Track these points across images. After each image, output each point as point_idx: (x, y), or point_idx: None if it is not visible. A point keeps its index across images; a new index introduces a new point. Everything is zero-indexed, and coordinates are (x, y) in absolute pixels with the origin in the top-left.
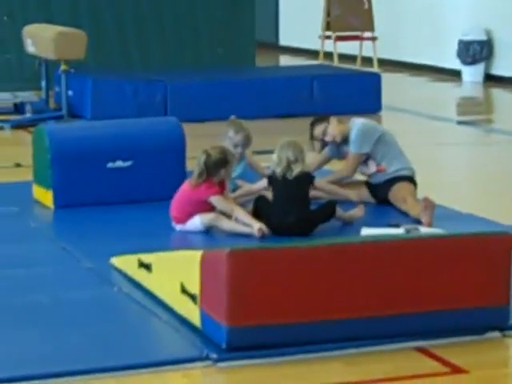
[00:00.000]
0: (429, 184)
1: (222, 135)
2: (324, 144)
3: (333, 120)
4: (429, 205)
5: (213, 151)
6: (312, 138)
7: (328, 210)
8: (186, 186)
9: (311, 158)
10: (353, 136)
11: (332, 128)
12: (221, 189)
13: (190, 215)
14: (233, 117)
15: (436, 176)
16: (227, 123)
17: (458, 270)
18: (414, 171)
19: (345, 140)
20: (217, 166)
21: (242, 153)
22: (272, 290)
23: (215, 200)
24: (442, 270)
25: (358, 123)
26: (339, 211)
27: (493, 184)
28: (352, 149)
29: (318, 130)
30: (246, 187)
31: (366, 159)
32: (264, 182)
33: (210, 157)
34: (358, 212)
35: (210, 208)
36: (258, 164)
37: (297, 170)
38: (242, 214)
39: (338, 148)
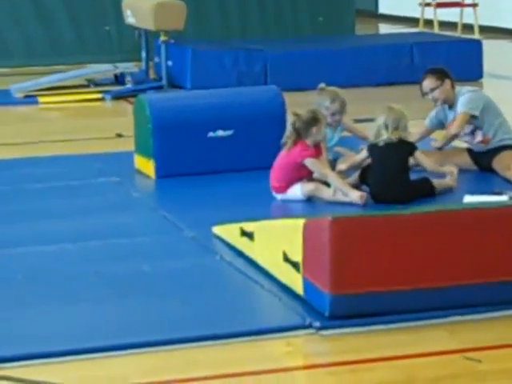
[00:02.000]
0: None
1: (316, 104)
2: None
3: (447, 82)
4: None
5: (302, 112)
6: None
7: (426, 187)
8: (281, 153)
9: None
10: (462, 99)
11: (441, 91)
12: (316, 152)
13: (289, 182)
14: (322, 84)
15: None
16: (319, 92)
17: None
18: None
19: (450, 106)
20: (307, 125)
21: (340, 120)
22: (374, 258)
23: (310, 162)
24: None
25: (465, 90)
26: (436, 184)
27: None
28: (462, 108)
29: (428, 84)
30: (350, 159)
31: (472, 131)
32: (365, 152)
33: (300, 117)
34: (452, 181)
35: (308, 172)
36: (357, 128)
37: (385, 136)
38: (337, 181)
39: (442, 117)
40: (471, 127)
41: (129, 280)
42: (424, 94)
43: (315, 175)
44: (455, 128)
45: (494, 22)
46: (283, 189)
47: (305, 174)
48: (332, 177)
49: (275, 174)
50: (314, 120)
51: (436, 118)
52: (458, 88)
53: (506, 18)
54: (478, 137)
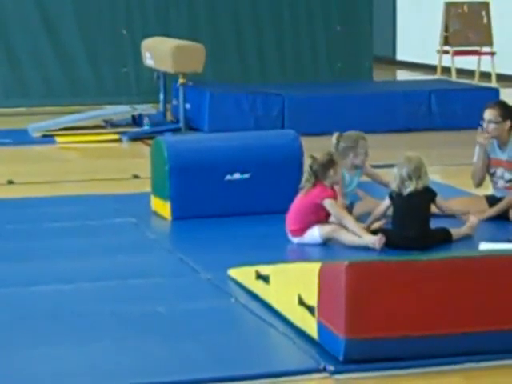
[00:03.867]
0: None
1: (340, 147)
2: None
3: (507, 123)
4: None
5: (318, 154)
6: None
7: (443, 235)
8: (299, 196)
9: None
10: None
11: (497, 127)
12: (334, 194)
13: (307, 225)
14: (336, 134)
15: None
16: (338, 136)
17: None
18: None
19: (500, 145)
20: (325, 168)
21: (364, 161)
22: (390, 303)
23: (329, 203)
24: None
25: None
26: (454, 234)
27: None
28: None
29: (489, 114)
30: (368, 205)
31: (503, 174)
32: (387, 201)
33: (316, 159)
34: (470, 229)
35: (326, 214)
36: (376, 173)
37: (411, 187)
38: (353, 224)
39: (489, 146)
40: (503, 170)
41: (144, 321)
42: (481, 120)
43: (332, 219)
44: None
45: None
46: (300, 232)
47: (322, 217)
48: (348, 220)
49: (292, 217)
50: (330, 162)
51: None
52: None
53: None
54: (505, 183)
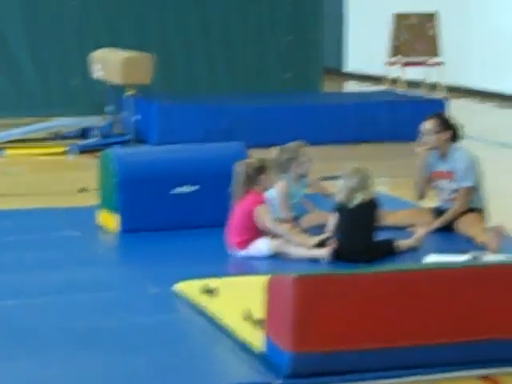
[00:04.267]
0: (495, 211)
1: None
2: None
3: (446, 134)
4: (499, 232)
5: (250, 161)
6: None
7: (388, 247)
8: (235, 208)
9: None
10: (464, 166)
11: (436, 138)
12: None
13: (250, 235)
14: (276, 148)
15: (503, 203)
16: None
17: None
18: (486, 202)
19: (440, 156)
20: (256, 173)
21: (308, 171)
22: (337, 317)
23: (261, 211)
24: (508, 298)
25: (464, 153)
26: (401, 245)
27: None
28: (466, 182)
29: (427, 126)
30: (329, 229)
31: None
32: (335, 215)
33: (248, 165)
34: (417, 241)
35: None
36: (321, 185)
37: (359, 198)
38: (293, 235)
39: (430, 158)
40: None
41: (91, 335)
42: (419, 133)
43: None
44: (462, 206)
45: (460, 81)
46: (245, 243)
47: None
48: (280, 230)
49: (233, 229)
50: (262, 167)
51: (428, 163)
52: (454, 145)
53: (472, 77)
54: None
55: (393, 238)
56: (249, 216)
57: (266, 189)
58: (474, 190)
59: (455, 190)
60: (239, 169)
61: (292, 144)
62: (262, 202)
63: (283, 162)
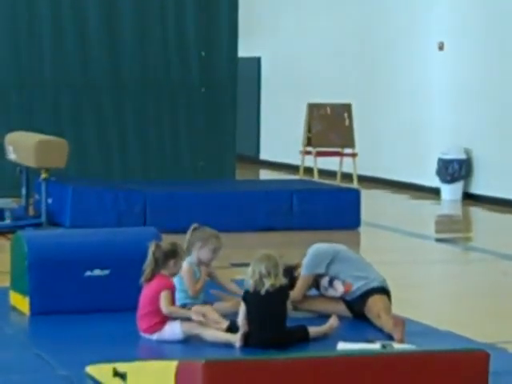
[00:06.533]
0: (405, 300)
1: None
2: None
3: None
4: (398, 322)
5: (163, 243)
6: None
7: (301, 334)
8: (142, 293)
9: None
10: (305, 260)
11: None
12: (172, 284)
13: (160, 318)
14: (195, 224)
15: (413, 292)
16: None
17: None
18: (382, 279)
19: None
20: (166, 257)
21: (206, 261)
22: None
23: (163, 296)
24: None
25: (311, 249)
26: (312, 332)
27: (469, 301)
28: (302, 271)
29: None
30: (241, 323)
31: (330, 282)
32: (243, 305)
33: (160, 247)
34: (329, 329)
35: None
36: (218, 276)
37: (269, 283)
38: (208, 313)
39: None
40: (327, 279)
41: None
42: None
43: (191, 314)
44: (296, 294)
45: (373, 172)
46: (155, 327)
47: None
48: (182, 312)
49: (143, 315)
50: (173, 252)
51: None
52: (312, 246)
53: (384, 168)
54: (339, 287)
55: (305, 325)
56: (156, 299)
57: (174, 274)
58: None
59: (331, 282)
60: (150, 249)
61: (208, 229)
62: (168, 286)
63: (191, 240)
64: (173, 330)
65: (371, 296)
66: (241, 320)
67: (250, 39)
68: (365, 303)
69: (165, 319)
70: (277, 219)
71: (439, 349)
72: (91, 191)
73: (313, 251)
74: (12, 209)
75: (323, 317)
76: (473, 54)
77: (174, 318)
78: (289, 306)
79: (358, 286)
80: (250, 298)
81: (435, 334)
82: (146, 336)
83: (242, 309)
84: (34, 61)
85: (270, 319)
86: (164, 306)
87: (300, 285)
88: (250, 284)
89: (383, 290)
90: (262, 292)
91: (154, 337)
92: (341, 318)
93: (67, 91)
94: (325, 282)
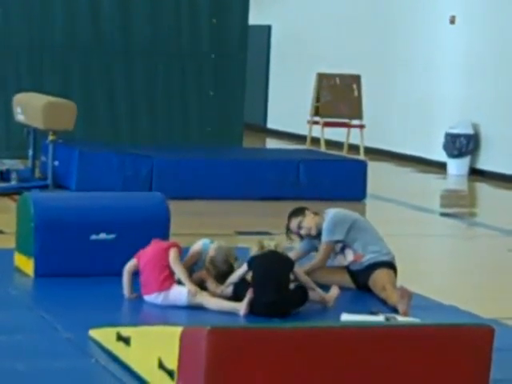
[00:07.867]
0: (410, 274)
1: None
2: (301, 237)
3: (308, 213)
4: (405, 294)
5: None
6: (288, 230)
7: (299, 294)
8: (145, 250)
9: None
10: (324, 226)
11: (307, 221)
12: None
13: (165, 272)
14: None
15: (417, 266)
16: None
17: (435, 361)
18: (393, 256)
19: (319, 233)
20: (217, 273)
21: None
22: (250, 371)
23: (175, 251)
24: (418, 361)
25: (330, 213)
26: (311, 295)
27: (473, 277)
28: (323, 238)
29: (294, 223)
30: (232, 277)
31: (342, 249)
32: (244, 267)
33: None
34: (329, 298)
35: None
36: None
37: (273, 244)
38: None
39: (314, 241)
40: (340, 245)
41: (2, 377)
42: (298, 235)
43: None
44: (319, 262)
45: (380, 144)
46: (165, 283)
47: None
48: (189, 282)
49: (151, 267)
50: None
51: (309, 243)
52: (326, 210)
53: (392, 141)
54: (350, 256)
55: (302, 285)
56: (165, 255)
57: (196, 281)
58: (335, 245)
59: (343, 249)
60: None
61: (224, 246)
62: (177, 245)
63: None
64: (179, 293)
65: (378, 268)
66: (234, 277)
67: (261, 7)
68: (370, 275)
69: (172, 279)
70: (283, 188)
71: (444, 322)
72: (98, 155)
73: (331, 217)
74: (18, 170)
75: (326, 287)
76: (484, 28)
77: (180, 283)
78: (302, 275)
79: (367, 258)
80: (255, 262)
81: (439, 308)
82: (152, 298)
83: (240, 269)
84: (45, 23)
85: (275, 282)
86: (172, 261)
87: (323, 252)
88: (257, 252)
89: (391, 266)
90: (268, 250)
91: (160, 298)
92: (345, 289)
93: (77, 54)
94: (337, 247)
